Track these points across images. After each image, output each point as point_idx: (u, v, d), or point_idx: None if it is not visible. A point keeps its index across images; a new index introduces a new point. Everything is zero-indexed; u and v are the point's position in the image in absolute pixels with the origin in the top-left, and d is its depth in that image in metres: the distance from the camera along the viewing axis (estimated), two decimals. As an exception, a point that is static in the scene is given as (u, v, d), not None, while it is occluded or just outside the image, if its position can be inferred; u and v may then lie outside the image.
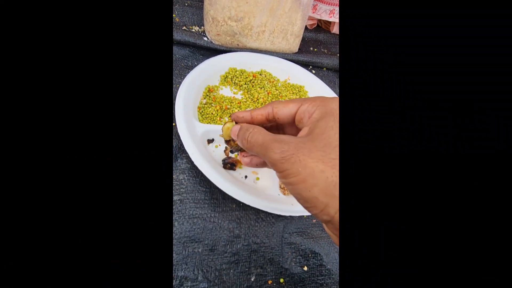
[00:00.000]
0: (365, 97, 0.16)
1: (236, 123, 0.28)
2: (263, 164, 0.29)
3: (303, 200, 0.20)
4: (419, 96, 0.15)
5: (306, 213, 0.42)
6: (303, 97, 0.53)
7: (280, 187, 0.48)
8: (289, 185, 0.20)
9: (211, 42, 0.59)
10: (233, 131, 0.26)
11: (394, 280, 0.13)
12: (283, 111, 0.25)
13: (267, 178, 0.46)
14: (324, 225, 0.22)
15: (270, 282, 0.38)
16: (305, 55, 0.68)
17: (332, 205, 0.18)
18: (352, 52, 0.16)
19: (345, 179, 0.15)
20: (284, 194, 0.46)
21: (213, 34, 0.58)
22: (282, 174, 0.20)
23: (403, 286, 0.13)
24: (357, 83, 0.16)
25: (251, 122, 0.27)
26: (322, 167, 0.18)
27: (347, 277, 0.14)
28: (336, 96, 0.22)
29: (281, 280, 0.38)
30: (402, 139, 0.15)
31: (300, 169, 0.19)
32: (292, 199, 0.43)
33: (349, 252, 0.14)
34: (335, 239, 0.20)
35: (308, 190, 0.19)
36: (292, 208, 0.41)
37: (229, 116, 0.29)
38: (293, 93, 0.61)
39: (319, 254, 0.42)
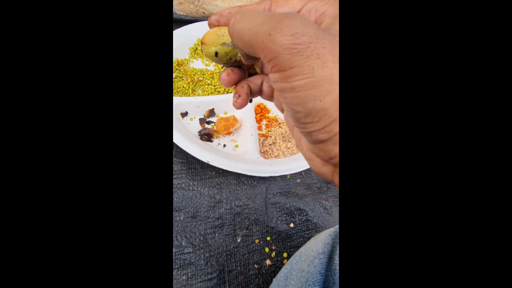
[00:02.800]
0: (365, 63, 0.14)
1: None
2: (258, 92, 0.21)
3: (303, 114, 0.15)
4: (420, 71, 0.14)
5: (285, 172, 0.41)
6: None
7: (260, 151, 0.47)
8: (290, 90, 0.14)
9: (175, 13, 0.56)
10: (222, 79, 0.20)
11: (397, 247, 0.13)
12: (284, 8, 0.18)
13: (246, 144, 0.46)
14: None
15: (257, 241, 0.38)
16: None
17: (338, 122, 0.14)
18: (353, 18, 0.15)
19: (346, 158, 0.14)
20: (264, 157, 0.45)
21: (175, 3, 0.55)
22: (286, 73, 0.14)
23: (406, 252, 0.13)
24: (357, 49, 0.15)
25: None
26: None
27: (347, 242, 0.13)
28: None
29: (268, 238, 0.39)
30: (403, 110, 0.14)
31: (315, 68, 0.13)
32: (271, 161, 0.43)
33: (349, 217, 0.14)
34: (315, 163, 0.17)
35: (318, 99, 0.14)
36: (272, 168, 0.40)
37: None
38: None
39: (305, 210, 0.42)
